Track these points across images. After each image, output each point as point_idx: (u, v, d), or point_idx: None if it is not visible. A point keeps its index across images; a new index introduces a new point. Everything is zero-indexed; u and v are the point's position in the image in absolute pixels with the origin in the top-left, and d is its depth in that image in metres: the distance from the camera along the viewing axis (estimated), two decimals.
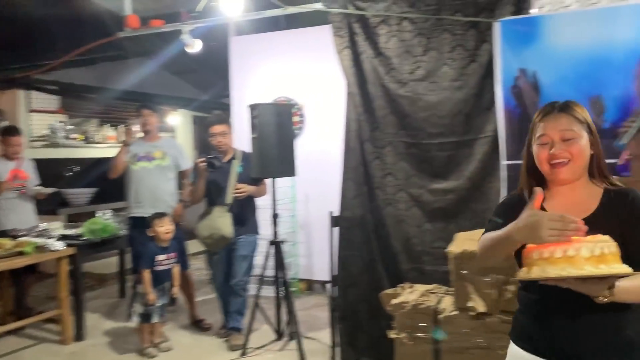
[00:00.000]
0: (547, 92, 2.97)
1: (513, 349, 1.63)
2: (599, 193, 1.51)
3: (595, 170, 1.53)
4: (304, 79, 5.13)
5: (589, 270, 1.28)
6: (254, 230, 4.04)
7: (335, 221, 3.54)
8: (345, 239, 3.52)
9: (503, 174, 3.12)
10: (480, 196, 3.24)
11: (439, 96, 3.24)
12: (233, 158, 3.94)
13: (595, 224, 1.42)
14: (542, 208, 1.50)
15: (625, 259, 1.34)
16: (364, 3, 3.38)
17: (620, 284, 1.32)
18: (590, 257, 1.29)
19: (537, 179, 1.56)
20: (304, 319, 4.44)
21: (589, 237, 1.34)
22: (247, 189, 3.85)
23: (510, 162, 3.10)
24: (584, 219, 1.39)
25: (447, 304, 2.70)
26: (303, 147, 5.10)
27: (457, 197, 3.27)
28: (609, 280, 1.32)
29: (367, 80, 3.43)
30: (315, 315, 4.64)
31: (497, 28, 3.04)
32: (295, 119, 5.16)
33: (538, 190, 1.43)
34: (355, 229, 3.50)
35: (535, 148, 1.53)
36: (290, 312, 3.73)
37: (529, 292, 1.57)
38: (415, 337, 2.71)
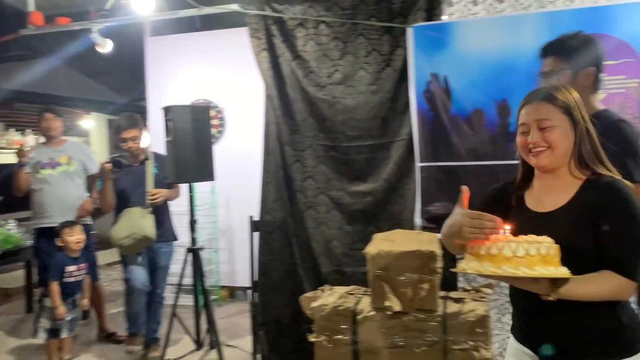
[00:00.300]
0: (458, 96, 3.08)
1: (511, 339, 1.66)
2: (578, 184, 1.49)
3: (577, 159, 1.48)
4: (224, 81, 5.04)
5: (523, 271, 1.28)
6: (172, 236, 3.91)
7: (255, 226, 3.49)
8: (266, 244, 3.48)
9: (418, 175, 3.20)
10: (397, 198, 3.30)
11: (356, 100, 3.28)
12: (146, 159, 3.78)
13: (565, 215, 1.46)
14: (522, 197, 1.56)
15: (596, 252, 1.40)
16: (281, 5, 3.36)
17: (568, 285, 1.33)
18: (528, 256, 1.29)
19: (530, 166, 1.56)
20: (225, 327, 4.35)
21: (527, 237, 1.35)
22: (163, 192, 3.72)
23: (424, 164, 3.19)
24: (552, 210, 1.46)
25: (366, 305, 2.72)
26: (223, 151, 5.01)
27: (375, 199, 3.32)
28: (545, 281, 1.32)
29: (285, 83, 3.41)
30: (237, 322, 4.55)
31: (410, 33, 3.11)
32: (215, 122, 5.06)
33: (464, 188, 1.49)
34: (276, 234, 3.47)
35: (517, 136, 1.54)
36: (210, 321, 3.62)
37: (514, 288, 1.55)
38: (334, 340, 2.71)
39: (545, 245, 1.32)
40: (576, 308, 1.40)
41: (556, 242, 1.36)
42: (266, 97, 3.48)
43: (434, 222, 3.20)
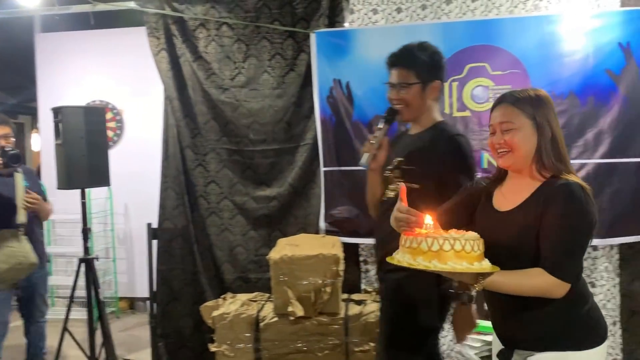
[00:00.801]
0: (359, 103, 3.14)
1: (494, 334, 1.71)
2: (536, 185, 1.53)
3: (538, 162, 1.52)
4: (122, 82, 4.80)
5: (451, 266, 1.36)
6: (45, 258, 3.39)
7: (154, 233, 3.34)
8: (166, 252, 3.33)
9: (322, 180, 3.22)
10: (301, 202, 3.30)
11: (260, 103, 3.25)
12: (16, 170, 3.07)
13: (517, 215, 1.52)
14: (491, 195, 1.63)
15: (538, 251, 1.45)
16: (181, 5, 3.25)
17: (493, 278, 1.41)
18: (441, 251, 1.36)
19: None
20: (124, 340, 4.12)
21: (456, 233, 1.42)
22: (37, 197, 3.09)
23: (328, 168, 3.21)
24: (510, 210, 1.53)
25: (269, 311, 2.69)
26: (122, 155, 4.76)
27: (280, 203, 3.29)
28: (470, 275, 1.40)
29: (186, 84, 3.31)
30: (137, 335, 4.33)
31: (313, 39, 3.13)
32: (112, 124, 4.82)
33: (401, 185, 1.60)
34: (177, 241, 3.34)
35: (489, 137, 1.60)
36: (105, 335, 3.40)
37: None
38: (236, 349, 2.65)
39: (463, 240, 1.38)
40: (529, 304, 1.48)
41: (508, 240, 1.48)
42: (165, 98, 3.35)
43: (338, 226, 3.23)
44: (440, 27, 3.06)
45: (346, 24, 3.18)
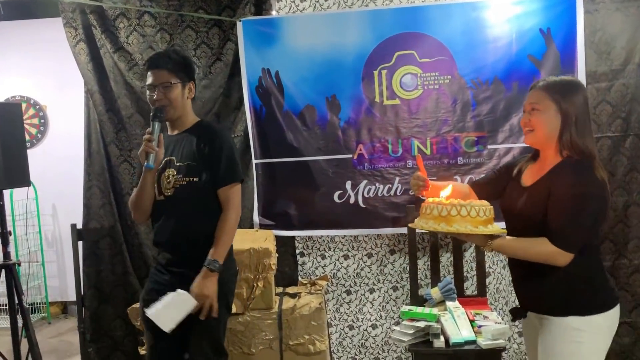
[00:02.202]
0: (290, 92, 3.08)
1: None
2: (554, 163, 1.67)
3: (559, 143, 1.65)
4: (45, 76, 4.55)
5: (455, 228, 1.60)
6: None
7: (79, 234, 3.17)
8: (93, 253, 3.18)
9: (255, 173, 3.15)
10: None
11: None
12: None
13: (533, 189, 1.68)
14: (521, 171, 1.80)
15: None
16: None
17: (501, 242, 1.65)
18: (449, 216, 1.60)
19: None
20: (55, 347, 3.95)
21: (470, 200, 1.66)
22: None
23: (260, 161, 3.14)
24: (530, 184, 1.70)
25: None
26: (47, 153, 4.55)
27: None
28: (478, 237, 1.64)
29: (108, 77, 3.15)
30: (69, 340, 4.14)
31: (239, 27, 3.04)
32: (35, 121, 4.56)
33: (418, 156, 1.98)
34: (104, 241, 3.19)
35: None
36: (30, 343, 3.21)
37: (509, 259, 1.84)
38: None
39: (469, 207, 1.61)
40: (541, 271, 1.64)
41: (524, 211, 1.67)
42: (86, 92, 3.18)
43: (272, 219, 3.18)
44: (368, 15, 3.04)
45: (273, 12, 3.10)
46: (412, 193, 1.91)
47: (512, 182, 1.82)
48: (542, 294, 1.70)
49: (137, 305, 2.73)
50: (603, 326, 1.67)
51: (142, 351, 2.58)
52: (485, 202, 1.68)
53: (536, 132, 1.70)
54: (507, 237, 1.66)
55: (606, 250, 3.06)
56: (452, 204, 1.63)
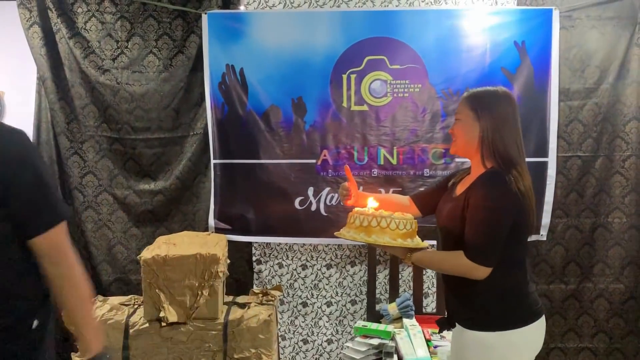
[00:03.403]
0: (254, 90, 2.94)
1: None
2: (478, 175, 1.64)
3: (479, 153, 1.65)
4: (2, 61, 4.31)
5: (374, 239, 1.61)
6: None
7: None
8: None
9: (213, 173, 2.99)
10: (190, 197, 3.06)
11: (144, 87, 2.96)
12: None
13: (457, 200, 1.66)
14: (457, 183, 1.78)
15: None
16: None
17: (419, 255, 1.65)
18: (369, 227, 1.61)
19: None
20: None
21: (396, 214, 1.66)
22: None
23: (218, 161, 2.99)
24: (457, 196, 1.69)
25: (140, 316, 2.43)
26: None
27: (167, 198, 3.03)
28: (397, 249, 1.65)
29: (62, 63, 2.97)
30: None
31: (204, 20, 2.89)
32: None
33: (346, 167, 1.97)
34: None
35: None
36: None
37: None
38: None
39: (389, 218, 1.61)
40: (463, 287, 1.63)
41: (446, 223, 1.67)
42: (38, 79, 3.00)
43: (228, 223, 3.03)
44: (339, 16, 2.92)
45: (241, 7, 2.97)
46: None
47: (446, 194, 1.81)
48: (460, 307, 1.69)
49: None
50: (517, 343, 1.61)
51: (76, 358, 2.40)
52: (409, 215, 1.69)
53: (457, 141, 1.71)
54: (427, 250, 1.66)
55: (571, 273, 2.98)
56: (373, 215, 1.63)
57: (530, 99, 2.88)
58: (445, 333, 2.47)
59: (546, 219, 2.91)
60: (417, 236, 1.68)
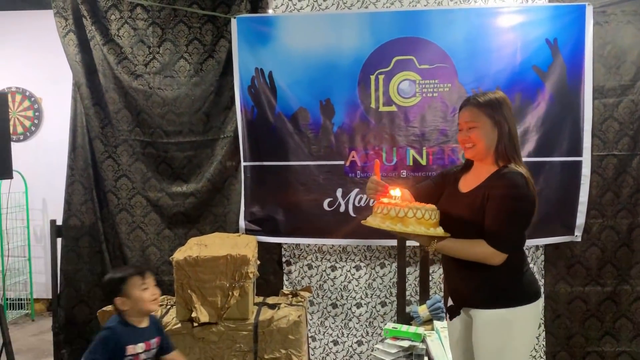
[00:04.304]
0: (283, 94, 2.96)
1: None
2: (491, 172, 1.77)
3: (496, 153, 1.77)
4: (40, 68, 4.46)
5: (411, 229, 1.68)
6: None
7: (58, 231, 3.07)
8: (72, 251, 3.07)
9: (242, 175, 3.03)
10: (221, 199, 3.10)
11: (176, 92, 3.02)
12: None
13: (471, 196, 1.78)
14: (458, 179, 1.89)
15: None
16: None
17: (444, 243, 1.74)
18: (405, 217, 1.68)
19: None
20: (34, 345, 3.83)
21: (420, 204, 1.73)
22: None
23: (248, 163, 3.02)
24: (468, 191, 1.80)
25: (173, 316, 2.48)
26: (40, 146, 4.47)
27: (198, 200, 3.08)
28: (426, 238, 1.74)
29: (96, 69, 3.05)
30: (49, 339, 4.00)
31: (234, 25, 2.93)
32: (29, 113, 4.48)
33: (376, 161, 1.98)
34: (84, 239, 3.09)
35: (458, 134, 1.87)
36: (4, 339, 3.11)
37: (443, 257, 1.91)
38: None
39: (423, 210, 1.70)
40: (473, 268, 1.73)
41: (462, 215, 1.76)
42: (74, 85, 3.08)
43: (258, 224, 3.06)
44: (368, 17, 2.92)
45: (270, 10, 3.00)
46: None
47: (450, 189, 1.92)
48: (474, 288, 1.79)
49: (109, 307, 2.61)
50: (530, 316, 1.77)
51: None
52: (433, 206, 1.77)
53: (477, 147, 1.80)
54: (449, 239, 1.75)
55: (607, 275, 2.90)
56: (408, 206, 1.72)
57: (563, 97, 2.82)
58: None
59: (581, 219, 2.85)
60: (439, 226, 1.78)
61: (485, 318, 1.76)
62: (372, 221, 1.76)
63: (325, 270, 3.06)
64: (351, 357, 3.05)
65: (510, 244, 1.71)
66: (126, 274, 1.98)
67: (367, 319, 3.04)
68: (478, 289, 1.78)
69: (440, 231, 1.73)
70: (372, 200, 1.85)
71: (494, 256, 1.69)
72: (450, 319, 1.92)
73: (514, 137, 1.79)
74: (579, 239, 2.87)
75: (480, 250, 1.70)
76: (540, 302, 1.81)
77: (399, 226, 1.69)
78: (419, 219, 1.69)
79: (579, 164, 2.84)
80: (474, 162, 1.88)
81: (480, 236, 1.72)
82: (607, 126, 2.85)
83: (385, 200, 1.79)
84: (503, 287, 1.75)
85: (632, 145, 2.84)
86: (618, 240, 2.89)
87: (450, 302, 1.90)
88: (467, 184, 1.85)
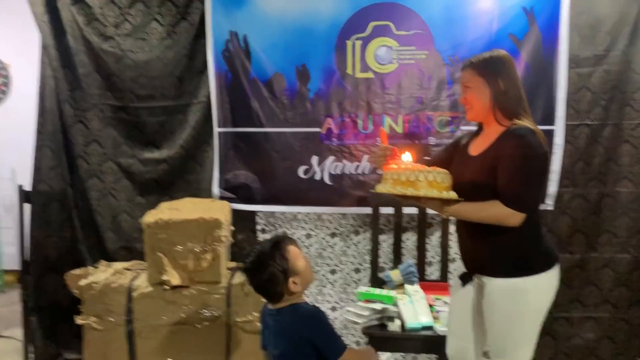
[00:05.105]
0: (258, 57, 2.91)
1: None
2: (499, 132, 1.76)
3: (493, 113, 1.77)
4: (8, 33, 4.31)
5: (424, 192, 1.66)
6: None
7: (26, 196, 3.00)
8: (40, 218, 3.01)
9: (216, 142, 2.99)
10: (194, 166, 3.06)
11: (147, 55, 2.95)
12: None
13: (482, 158, 1.76)
14: (468, 143, 1.90)
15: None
16: None
17: (457, 207, 1.72)
18: (416, 181, 1.66)
19: None
20: (3, 316, 3.80)
21: (431, 168, 1.73)
22: None
23: (222, 129, 2.98)
24: (478, 154, 1.79)
25: (143, 280, 2.45)
26: (10, 114, 4.34)
27: (171, 167, 3.03)
28: (437, 201, 1.72)
29: (65, 31, 2.95)
30: (19, 310, 3.95)
31: None
32: None
33: (382, 129, 2.08)
34: (53, 206, 3.02)
35: None
36: None
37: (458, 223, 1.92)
38: (106, 321, 2.40)
39: (435, 173, 1.69)
40: (489, 234, 1.72)
41: (474, 178, 1.75)
42: (42, 47, 2.97)
43: (232, 192, 3.03)
44: None
45: None
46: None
47: (460, 154, 1.92)
48: (490, 256, 1.77)
49: (77, 271, 2.58)
50: (546, 285, 1.77)
51: (79, 321, 2.43)
52: (444, 170, 1.75)
53: (474, 107, 1.81)
54: (462, 203, 1.72)
55: (577, 243, 2.95)
56: (419, 170, 1.70)
57: (537, 66, 2.82)
58: (448, 299, 2.47)
59: (553, 188, 2.88)
60: (451, 189, 1.75)
61: (500, 287, 1.74)
62: (382, 188, 1.75)
63: (300, 238, 3.05)
64: None
65: (526, 203, 1.68)
66: (284, 244, 1.69)
67: (341, 285, 3.05)
68: (493, 256, 1.76)
69: (453, 194, 1.70)
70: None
71: (511, 216, 1.66)
72: (463, 285, 1.89)
73: (515, 94, 1.77)
74: (551, 207, 2.90)
75: (496, 211, 1.67)
76: (557, 269, 1.79)
77: (410, 190, 1.67)
78: (431, 182, 1.67)
79: (552, 133, 2.85)
80: (483, 126, 1.88)
81: (492, 199, 1.69)
82: (581, 96, 2.87)
83: (393, 165, 1.79)
84: (520, 255, 1.74)
85: (604, 115, 2.87)
86: (588, 208, 2.93)
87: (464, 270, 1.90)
88: (477, 147, 1.83)
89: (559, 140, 2.85)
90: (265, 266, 1.64)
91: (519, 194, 1.68)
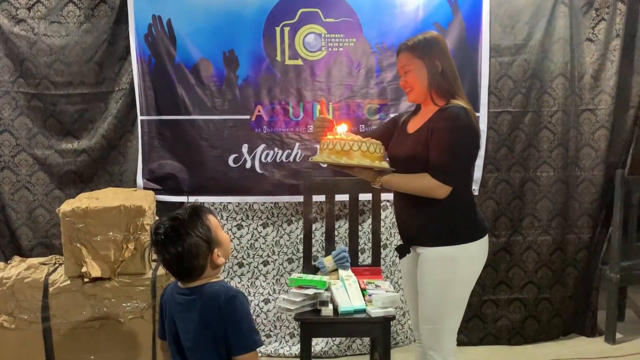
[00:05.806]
0: (183, 42, 2.82)
1: None
2: (434, 111, 1.85)
3: (430, 93, 1.85)
4: None
5: (357, 161, 1.73)
6: None
7: None
8: None
9: (140, 131, 2.86)
10: (117, 156, 2.92)
11: (64, 39, 2.78)
12: None
13: (418, 134, 1.85)
14: (407, 121, 1.99)
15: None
16: None
17: (388, 177, 1.82)
18: (350, 150, 1.73)
19: None
20: None
21: (365, 138, 1.81)
22: None
23: (146, 117, 2.86)
24: (415, 130, 1.88)
25: (61, 274, 2.29)
26: None
27: (91, 158, 2.88)
28: (370, 171, 1.81)
29: None
30: None
31: None
32: None
33: (322, 100, 2.11)
34: None
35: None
36: None
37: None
38: (19, 319, 2.22)
39: (368, 143, 1.75)
40: (422, 205, 1.81)
41: (408, 153, 1.84)
42: None
43: (158, 183, 2.91)
44: None
45: None
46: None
47: (399, 131, 2.01)
48: (422, 226, 1.85)
49: None
50: (476, 254, 1.87)
51: None
52: (377, 141, 1.82)
53: (415, 89, 1.87)
54: (394, 174, 1.81)
55: (502, 227, 3.05)
56: (353, 139, 1.74)
57: (461, 55, 2.90)
58: (381, 282, 2.48)
59: (478, 173, 2.96)
60: (383, 160, 1.83)
61: (430, 255, 1.84)
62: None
63: (231, 229, 2.97)
64: (258, 315, 3.00)
65: (454, 177, 1.77)
66: (204, 212, 1.48)
67: (274, 276, 3.00)
68: (425, 226, 1.85)
69: (385, 164, 1.78)
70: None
71: (438, 188, 1.75)
72: (400, 258, 1.99)
73: (450, 74, 1.86)
74: (476, 193, 2.98)
75: (424, 183, 1.76)
76: (486, 239, 1.90)
77: (344, 159, 1.73)
78: (364, 152, 1.73)
79: (476, 120, 2.93)
80: (421, 106, 1.95)
81: (425, 172, 1.78)
82: (503, 84, 2.97)
83: (330, 136, 1.84)
84: (452, 225, 1.83)
85: (525, 103, 2.98)
86: (512, 193, 3.03)
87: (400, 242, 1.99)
88: (414, 125, 1.92)
89: (482, 126, 2.93)
90: (186, 235, 1.40)
91: (446, 167, 1.76)
